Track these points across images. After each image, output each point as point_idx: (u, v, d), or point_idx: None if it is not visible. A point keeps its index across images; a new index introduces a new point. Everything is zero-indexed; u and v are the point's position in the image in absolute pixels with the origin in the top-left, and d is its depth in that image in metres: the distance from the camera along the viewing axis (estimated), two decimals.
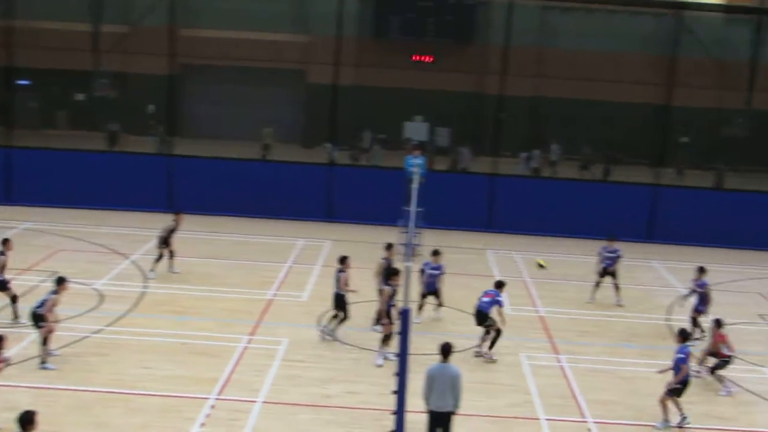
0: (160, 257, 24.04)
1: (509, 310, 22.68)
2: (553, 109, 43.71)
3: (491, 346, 19.32)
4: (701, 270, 21.30)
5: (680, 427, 16.30)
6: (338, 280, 19.68)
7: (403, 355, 15.03)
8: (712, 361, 18.23)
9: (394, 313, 18.13)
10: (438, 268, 21.31)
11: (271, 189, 31.37)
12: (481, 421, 16.14)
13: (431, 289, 21.31)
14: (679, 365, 16.29)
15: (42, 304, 17.36)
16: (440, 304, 21.53)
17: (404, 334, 15.03)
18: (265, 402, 16.48)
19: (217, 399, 16.45)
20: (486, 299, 19.33)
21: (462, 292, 23.53)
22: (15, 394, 14.79)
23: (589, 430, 16.08)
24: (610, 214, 30.96)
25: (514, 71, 33.43)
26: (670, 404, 16.34)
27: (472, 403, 16.86)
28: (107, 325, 19.94)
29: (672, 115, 33.15)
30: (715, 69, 39.77)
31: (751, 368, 19.60)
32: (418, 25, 44.54)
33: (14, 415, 11.89)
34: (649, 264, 28.76)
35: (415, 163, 26.75)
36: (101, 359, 18.01)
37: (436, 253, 21.58)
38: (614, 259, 23.69)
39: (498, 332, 19.21)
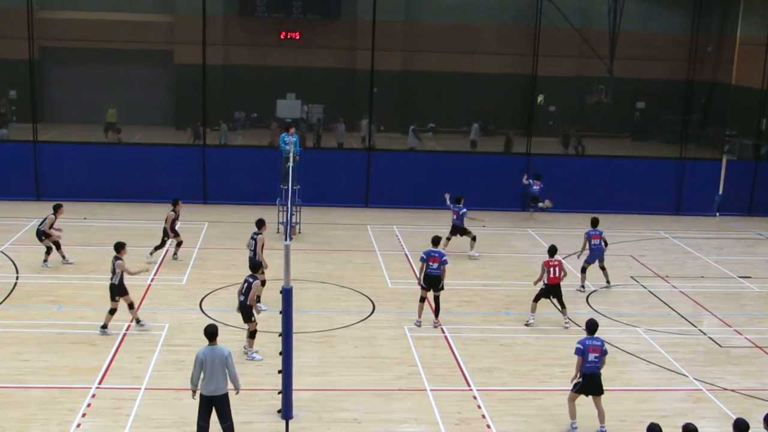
0: (162, 245, 24.19)
1: (390, 284, 23.00)
2: (422, 82, 44.12)
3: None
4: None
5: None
6: (256, 244, 20.18)
7: (287, 335, 15.05)
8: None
9: (256, 312, 18.00)
10: None
11: (144, 172, 30.70)
12: (368, 395, 16.27)
13: None
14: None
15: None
16: None
17: (287, 313, 15.03)
18: (147, 388, 16.19)
19: (98, 388, 16.08)
20: (434, 264, 19.68)
21: (345, 267, 23.64)
22: None
23: (474, 397, 16.40)
24: (486, 185, 31.62)
25: (383, 46, 33.54)
26: None
27: (359, 378, 17.02)
28: None
29: (537, 84, 33.89)
30: (577, 38, 40.87)
31: (626, 329, 20.36)
32: (285, 2, 44.22)
33: None
34: (524, 232, 29.47)
35: (290, 141, 26.65)
36: None
37: None
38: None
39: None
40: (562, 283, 20.29)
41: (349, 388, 16.58)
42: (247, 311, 17.66)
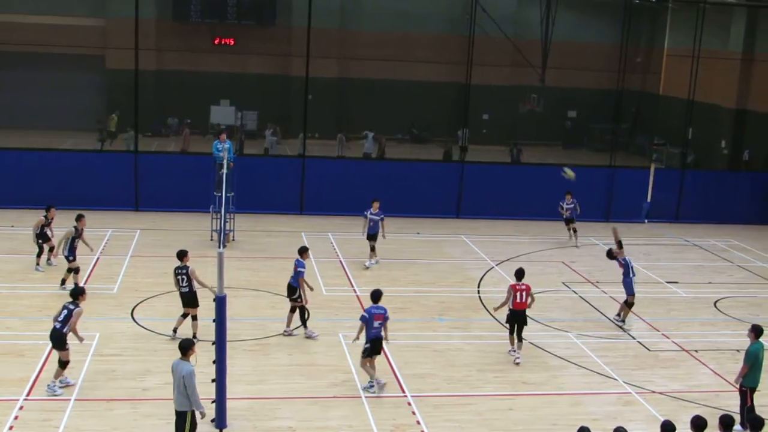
0: (40, 250, 23.62)
1: (325, 291, 22.98)
2: (358, 89, 44.24)
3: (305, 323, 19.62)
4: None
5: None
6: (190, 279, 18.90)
7: (220, 343, 14.95)
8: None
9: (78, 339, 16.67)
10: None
11: (75, 178, 30.18)
12: (303, 403, 16.24)
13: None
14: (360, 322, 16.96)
15: None
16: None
17: (221, 321, 14.93)
18: (78, 399, 15.93)
19: (26, 400, 15.77)
20: (378, 323, 19.42)
21: (279, 275, 23.55)
22: None
23: (408, 404, 16.47)
24: (420, 192, 31.85)
25: (318, 53, 33.55)
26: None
27: (293, 386, 16.98)
28: None
29: (471, 92, 34.20)
30: (511, 47, 41.37)
31: (558, 334, 20.66)
32: (219, 8, 44.02)
33: None
34: (458, 238, 29.69)
35: (223, 148, 26.50)
36: None
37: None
38: (573, 210, 29.09)
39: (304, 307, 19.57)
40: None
41: (283, 396, 16.53)
42: (61, 338, 16.17)
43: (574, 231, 29.51)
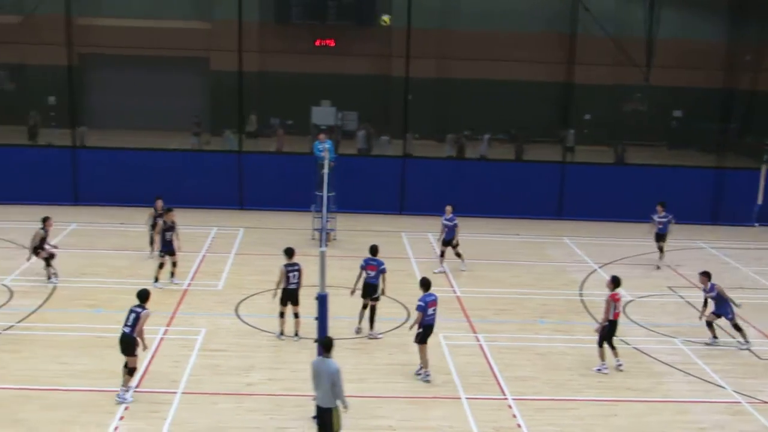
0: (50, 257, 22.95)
1: None
2: (457, 89, 44.06)
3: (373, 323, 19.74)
4: (705, 275, 20.06)
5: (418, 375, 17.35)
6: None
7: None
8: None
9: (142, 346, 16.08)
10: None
11: (181, 178, 30.87)
12: (403, 402, 16.26)
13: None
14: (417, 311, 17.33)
15: None
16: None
17: (322, 319, 15.09)
18: (184, 393, 16.30)
19: (136, 391, 16.19)
20: (371, 272, 19.61)
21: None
22: None
23: (509, 407, 16.34)
24: (522, 193, 31.58)
25: (417, 53, 33.56)
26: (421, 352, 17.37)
27: (393, 385, 17.02)
28: (18, 321, 19.46)
29: (574, 92, 33.71)
30: (613, 46, 40.62)
31: (663, 339, 20.18)
32: (320, 9, 44.41)
33: None
34: (560, 240, 29.32)
35: (324, 148, 26.73)
36: (14, 356, 17.58)
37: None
38: (666, 224, 26.00)
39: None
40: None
41: (384, 395, 16.59)
42: (131, 343, 15.90)
43: (660, 250, 26.12)
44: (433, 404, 16.33)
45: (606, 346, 18.09)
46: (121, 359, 15.98)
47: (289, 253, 19.23)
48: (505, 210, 31.11)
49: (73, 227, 28.15)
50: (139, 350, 15.86)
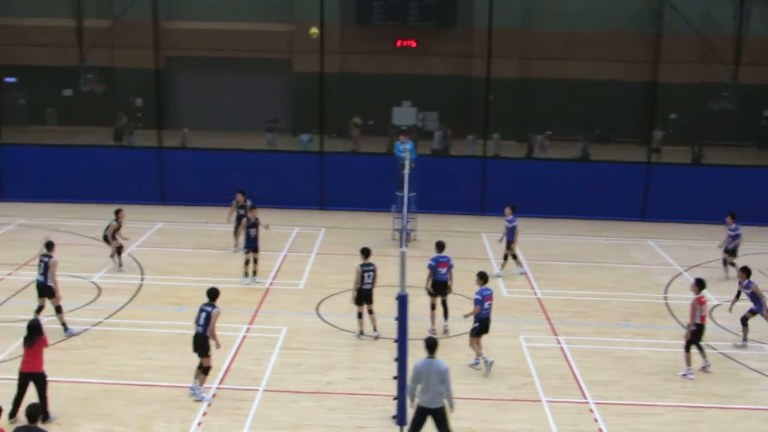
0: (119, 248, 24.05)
1: (505, 293, 22.86)
2: (540, 89, 43.74)
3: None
4: (744, 271, 19.68)
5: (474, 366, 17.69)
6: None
7: (402, 341, 15.13)
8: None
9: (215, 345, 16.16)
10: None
11: (263, 178, 31.24)
12: (481, 404, 16.19)
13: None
14: (474, 305, 17.63)
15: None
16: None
17: (402, 319, 15.11)
18: (266, 390, 16.52)
19: (218, 388, 16.48)
20: (442, 269, 19.61)
21: (459, 275, 23.53)
22: (29, 387, 14.81)
23: (590, 410, 16.15)
24: (603, 194, 31.15)
25: (499, 53, 33.36)
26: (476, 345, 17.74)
27: (473, 387, 16.95)
28: (106, 318, 19.97)
29: (659, 91, 33.11)
30: (699, 44, 39.82)
31: (752, 345, 19.64)
32: (401, 10, 44.51)
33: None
34: (644, 242, 28.84)
35: (405, 149, 26.77)
36: (101, 351, 18.05)
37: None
38: (734, 237, 24.43)
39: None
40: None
41: (462, 396, 16.50)
42: (205, 342, 16.02)
43: (731, 265, 24.17)
44: (513, 406, 16.23)
45: (693, 350, 17.72)
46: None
47: (366, 252, 19.40)
48: (588, 211, 30.77)
49: (159, 226, 28.76)
50: (213, 348, 16.03)
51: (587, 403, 16.46)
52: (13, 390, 14.78)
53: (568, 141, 39.75)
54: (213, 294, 16.23)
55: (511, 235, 24.37)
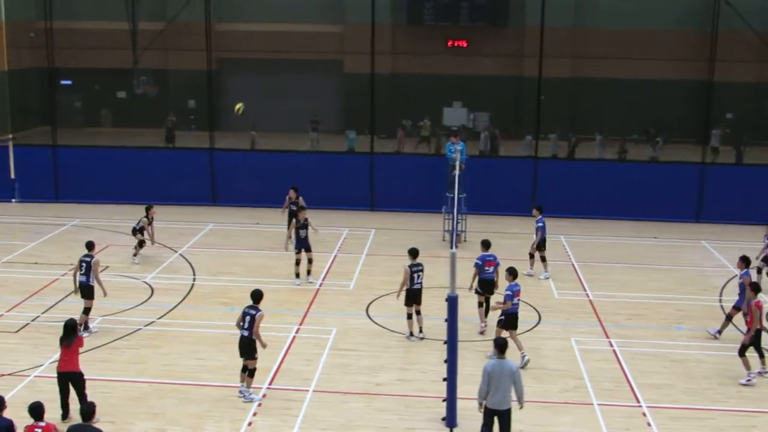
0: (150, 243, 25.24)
1: (557, 295, 22.67)
2: (591, 89, 43.32)
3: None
4: (745, 260, 19.67)
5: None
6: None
7: (452, 343, 15.07)
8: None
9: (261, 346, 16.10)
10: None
11: (314, 179, 31.34)
12: (532, 407, 16.00)
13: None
14: (505, 300, 17.88)
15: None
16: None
17: (452, 321, 15.04)
18: (316, 391, 16.56)
19: (269, 388, 16.56)
20: (489, 268, 19.61)
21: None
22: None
23: (643, 414, 15.93)
24: (656, 195, 30.74)
25: (551, 52, 33.07)
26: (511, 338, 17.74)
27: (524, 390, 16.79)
28: (158, 318, 20.19)
29: (714, 90, 32.56)
30: (757, 41, 39.07)
31: None
32: (452, 10, 44.38)
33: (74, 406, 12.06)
34: (699, 244, 28.39)
35: (456, 149, 26.68)
36: (154, 351, 18.24)
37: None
38: None
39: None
40: None
41: (514, 398, 16.38)
42: (250, 345, 16.02)
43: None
44: (565, 409, 16.08)
45: (750, 354, 17.36)
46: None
47: (414, 253, 19.39)
48: (640, 212, 30.40)
49: (210, 227, 29.00)
50: (260, 350, 16.06)
51: (640, 406, 16.24)
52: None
53: (621, 141, 39.25)
54: (257, 296, 16.26)
55: (542, 235, 24.16)
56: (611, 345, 19.23)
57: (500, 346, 13.84)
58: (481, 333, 19.60)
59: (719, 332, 19.69)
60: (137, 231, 24.66)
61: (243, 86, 45.46)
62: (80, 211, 30.50)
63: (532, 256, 24.20)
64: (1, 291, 21.91)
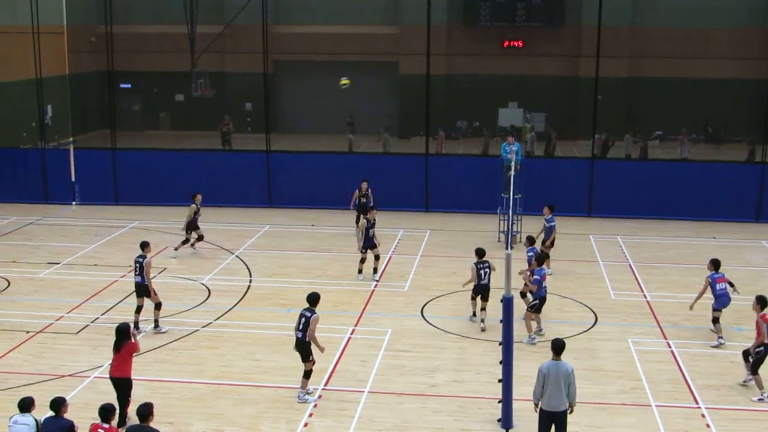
0: (186, 240, 25.82)
1: (614, 296, 22.45)
2: (649, 88, 42.86)
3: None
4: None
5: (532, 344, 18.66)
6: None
7: (507, 344, 15.02)
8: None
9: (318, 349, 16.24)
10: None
11: (370, 180, 31.35)
12: (590, 408, 15.92)
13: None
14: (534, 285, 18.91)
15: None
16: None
17: (507, 322, 14.99)
18: (371, 392, 16.60)
19: (324, 389, 16.65)
20: (545, 282, 19.41)
21: (566, 278, 23.32)
22: (133, 388, 15.23)
23: (702, 416, 15.72)
24: (715, 195, 30.27)
25: (608, 52, 32.74)
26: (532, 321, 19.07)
27: (580, 391, 16.53)
28: (215, 319, 20.40)
29: None
30: None
31: None
32: (508, 11, 44.23)
33: (133, 407, 12.26)
34: (758, 244, 27.92)
35: (512, 150, 26.57)
36: (211, 352, 18.44)
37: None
38: None
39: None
40: None
41: None
42: (305, 347, 16.12)
43: None
44: (622, 410, 15.94)
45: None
46: None
47: (480, 253, 19.90)
48: (699, 212, 29.96)
49: (266, 229, 29.24)
50: (316, 353, 16.14)
51: (699, 408, 16.03)
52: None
53: (680, 141, 38.75)
54: (313, 299, 16.34)
55: (548, 235, 23.96)
56: (669, 346, 19.00)
57: (557, 347, 13.76)
58: (540, 332, 19.47)
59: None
60: (190, 226, 25.35)
61: (299, 88, 45.85)
62: (139, 214, 30.96)
63: (548, 255, 23.76)
64: (62, 293, 22.33)
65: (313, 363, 16.19)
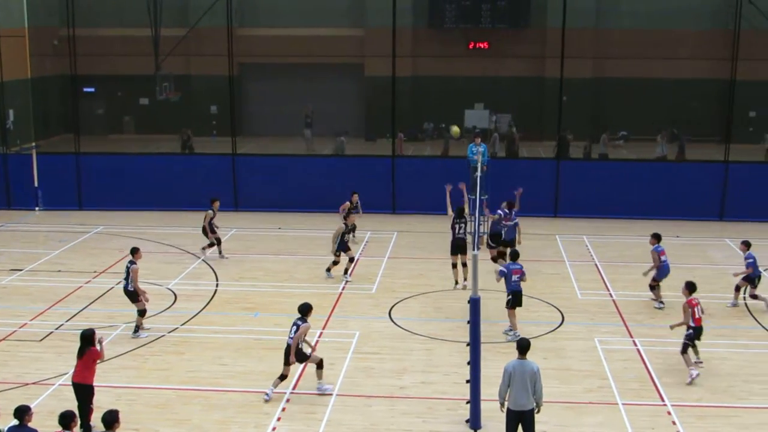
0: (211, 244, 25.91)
1: (580, 296, 22.59)
2: (613, 89, 43.20)
3: None
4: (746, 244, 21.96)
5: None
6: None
7: (475, 345, 15.05)
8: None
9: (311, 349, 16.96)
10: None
11: (335, 183, 31.35)
12: (557, 407, 15.99)
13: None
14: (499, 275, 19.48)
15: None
16: None
17: (475, 323, 15.03)
18: (339, 395, 16.56)
19: (292, 393, 16.58)
20: (516, 276, 19.43)
21: (533, 278, 23.37)
22: (97, 395, 15.07)
23: (668, 413, 15.85)
24: (679, 194, 30.57)
25: (572, 53, 32.96)
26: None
27: (548, 390, 16.60)
28: (182, 324, 20.26)
29: (736, 89, 32.31)
30: None
31: None
32: (473, 13, 44.38)
33: (98, 414, 12.13)
34: (722, 242, 28.22)
35: (477, 151, 26.64)
36: (178, 357, 18.31)
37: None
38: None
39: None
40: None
41: None
42: (299, 353, 16.41)
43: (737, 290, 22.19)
44: (589, 409, 16.02)
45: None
46: (278, 363, 16.55)
47: (459, 212, 22.83)
48: (663, 212, 30.20)
49: (233, 232, 29.10)
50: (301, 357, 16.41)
51: (665, 405, 16.16)
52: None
53: (644, 141, 39.10)
54: (303, 309, 16.58)
55: (511, 233, 24.44)
56: (635, 344, 19.15)
57: (523, 347, 13.84)
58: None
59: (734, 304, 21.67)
60: (207, 228, 25.42)
61: (264, 91, 45.68)
62: (104, 219, 30.67)
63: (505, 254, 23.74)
64: (26, 299, 22.07)
65: (319, 359, 16.50)
